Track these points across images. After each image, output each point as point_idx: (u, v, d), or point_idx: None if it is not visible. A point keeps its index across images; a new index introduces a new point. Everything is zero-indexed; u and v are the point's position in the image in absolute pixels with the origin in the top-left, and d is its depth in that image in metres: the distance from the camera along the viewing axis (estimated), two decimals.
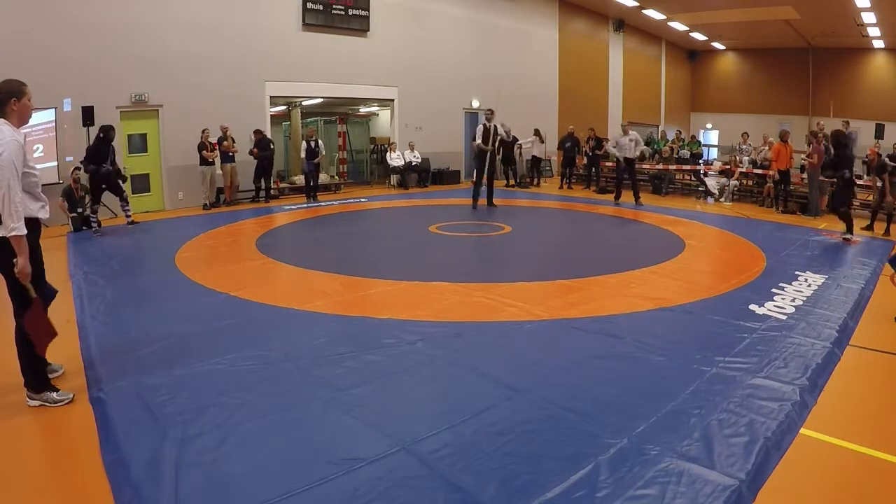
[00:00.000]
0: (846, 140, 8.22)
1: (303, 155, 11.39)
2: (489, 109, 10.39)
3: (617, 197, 11.76)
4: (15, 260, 2.84)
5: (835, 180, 8.38)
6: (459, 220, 9.17)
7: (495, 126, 10.33)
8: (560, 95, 18.10)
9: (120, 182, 8.75)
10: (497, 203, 10.62)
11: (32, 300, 2.97)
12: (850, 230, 8.04)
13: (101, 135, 8.35)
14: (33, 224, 3.00)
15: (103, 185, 8.45)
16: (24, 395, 3.06)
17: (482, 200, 10.44)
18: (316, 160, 11.47)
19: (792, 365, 3.56)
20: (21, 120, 3.00)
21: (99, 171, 8.29)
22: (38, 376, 3.08)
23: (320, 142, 11.76)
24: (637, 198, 11.44)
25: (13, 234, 2.79)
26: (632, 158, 11.54)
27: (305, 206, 10.87)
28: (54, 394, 3.09)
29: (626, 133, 11.55)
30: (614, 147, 11.77)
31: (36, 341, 3.02)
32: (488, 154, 10.12)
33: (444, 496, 2.27)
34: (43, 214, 3.14)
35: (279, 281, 5.79)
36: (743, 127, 14.46)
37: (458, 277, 5.59)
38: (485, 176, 10.31)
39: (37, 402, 3.04)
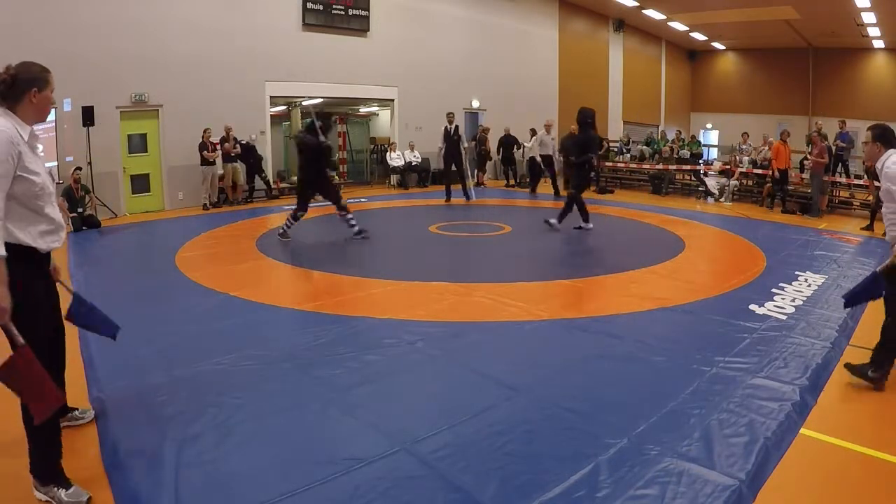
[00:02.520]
0: (592, 119, 7.66)
1: None
2: (450, 112, 11.05)
3: (532, 190, 12.88)
4: None
5: (585, 164, 7.76)
6: (459, 220, 9.17)
7: (456, 127, 10.99)
8: (560, 95, 18.09)
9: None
10: (496, 203, 10.68)
11: (18, 347, 2.13)
12: (561, 219, 7.77)
13: (320, 123, 7.08)
14: (27, 255, 2.18)
15: (314, 181, 7.23)
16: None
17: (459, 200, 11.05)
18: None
19: (792, 365, 3.56)
20: (38, 116, 2.31)
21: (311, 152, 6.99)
22: (43, 463, 2.29)
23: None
24: (557, 191, 12.33)
25: None
26: (550, 155, 12.59)
27: None
28: (63, 492, 2.25)
29: (548, 131, 12.45)
30: (539, 145, 12.57)
31: (29, 405, 2.18)
32: (449, 153, 10.98)
33: (444, 496, 2.27)
34: (45, 244, 2.25)
35: (279, 281, 5.79)
36: (743, 127, 14.45)
37: (458, 277, 5.60)
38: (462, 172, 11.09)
39: (43, 496, 2.27)
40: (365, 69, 13.23)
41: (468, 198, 11.10)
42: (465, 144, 11.34)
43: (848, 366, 3.45)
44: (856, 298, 3.53)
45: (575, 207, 7.90)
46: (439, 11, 14.61)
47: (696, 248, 7.28)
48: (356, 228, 7.38)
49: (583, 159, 7.72)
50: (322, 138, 7.03)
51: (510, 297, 4.96)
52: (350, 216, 7.40)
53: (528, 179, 15.07)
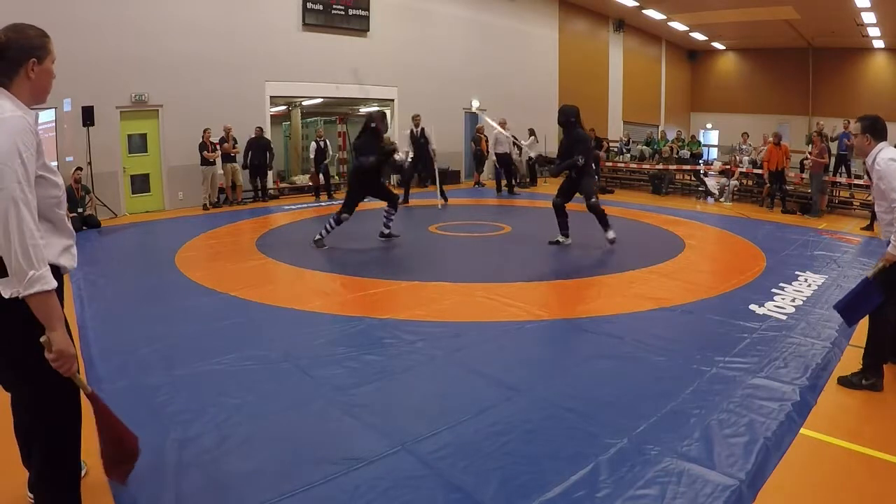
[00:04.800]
0: (576, 116, 6.84)
1: (313, 155, 11.49)
2: (416, 115, 11.11)
3: (498, 189, 12.87)
4: (43, 338, 1.60)
5: (575, 172, 6.95)
6: (459, 220, 9.17)
7: (422, 129, 10.92)
8: (560, 95, 18.08)
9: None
10: (495, 203, 10.67)
11: (90, 397, 1.87)
12: (605, 224, 7.06)
13: (373, 124, 6.82)
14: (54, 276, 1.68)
15: (369, 186, 7.04)
16: None
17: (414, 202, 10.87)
18: (325, 161, 11.66)
19: (792, 365, 3.56)
20: (37, 95, 1.78)
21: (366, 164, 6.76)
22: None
23: (328, 142, 11.89)
24: (511, 187, 12.80)
25: (34, 290, 1.54)
26: (507, 154, 12.57)
27: (306, 206, 10.87)
28: None
29: (503, 129, 12.53)
30: (493, 144, 12.75)
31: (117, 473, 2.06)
32: (417, 158, 10.98)
33: (445, 496, 2.27)
34: (68, 262, 1.86)
35: (279, 281, 5.79)
36: (743, 127, 14.45)
37: (458, 277, 5.59)
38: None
39: None
40: (365, 69, 13.20)
41: (444, 199, 10.64)
42: (433, 146, 11.06)
43: (841, 380, 3.35)
44: (854, 310, 3.41)
45: (559, 216, 7.40)
46: (439, 11, 14.60)
47: (696, 248, 7.29)
48: (388, 231, 7.46)
49: (567, 164, 6.92)
50: (371, 158, 6.73)
51: (510, 297, 4.96)
52: (392, 218, 7.46)
53: (527, 180, 15.11)
